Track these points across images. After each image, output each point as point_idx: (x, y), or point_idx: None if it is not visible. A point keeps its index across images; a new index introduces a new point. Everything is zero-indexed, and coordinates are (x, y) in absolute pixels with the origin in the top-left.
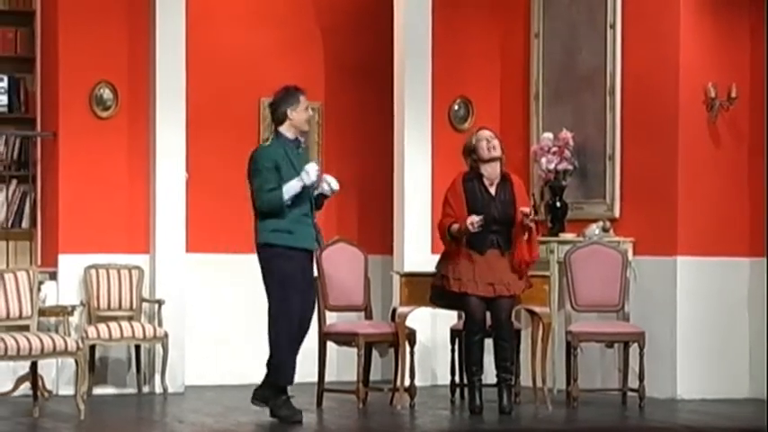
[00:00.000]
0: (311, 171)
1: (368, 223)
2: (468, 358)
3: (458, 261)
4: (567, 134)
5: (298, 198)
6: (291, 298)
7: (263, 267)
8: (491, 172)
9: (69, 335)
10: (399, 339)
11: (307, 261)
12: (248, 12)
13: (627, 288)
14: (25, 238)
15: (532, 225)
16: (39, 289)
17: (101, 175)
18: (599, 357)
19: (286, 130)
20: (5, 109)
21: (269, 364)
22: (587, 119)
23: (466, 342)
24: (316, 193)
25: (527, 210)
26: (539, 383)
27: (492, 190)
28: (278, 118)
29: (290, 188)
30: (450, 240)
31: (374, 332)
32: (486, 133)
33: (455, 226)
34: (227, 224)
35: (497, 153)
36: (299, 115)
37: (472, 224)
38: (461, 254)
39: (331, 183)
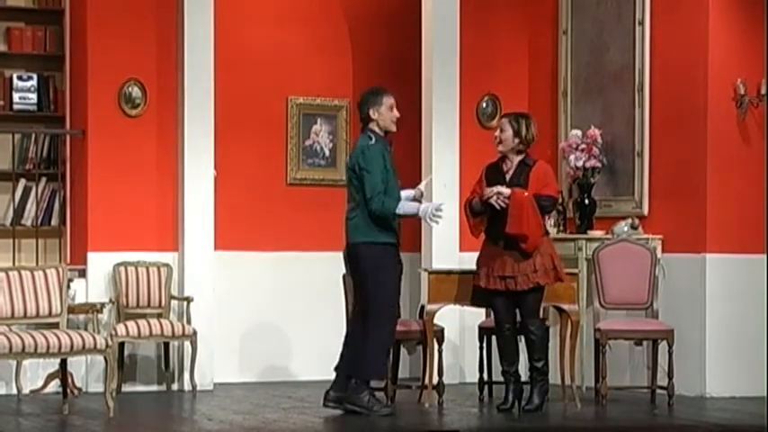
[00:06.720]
0: (441, 213)
1: None
2: (499, 354)
3: (481, 254)
4: (595, 131)
5: (394, 190)
6: (395, 294)
7: (367, 265)
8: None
9: (99, 332)
10: (427, 337)
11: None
12: (277, 10)
13: (656, 285)
14: (54, 236)
15: (496, 205)
16: (68, 287)
17: (130, 173)
18: (628, 355)
19: (375, 128)
20: (35, 107)
21: (360, 357)
22: (616, 116)
23: (496, 338)
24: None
25: (494, 189)
26: (567, 381)
27: (507, 176)
28: (363, 118)
29: (406, 208)
30: (472, 215)
31: (402, 330)
32: (502, 121)
33: (476, 200)
34: (256, 222)
35: (500, 148)
36: (383, 116)
37: (488, 196)
38: (484, 245)
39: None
